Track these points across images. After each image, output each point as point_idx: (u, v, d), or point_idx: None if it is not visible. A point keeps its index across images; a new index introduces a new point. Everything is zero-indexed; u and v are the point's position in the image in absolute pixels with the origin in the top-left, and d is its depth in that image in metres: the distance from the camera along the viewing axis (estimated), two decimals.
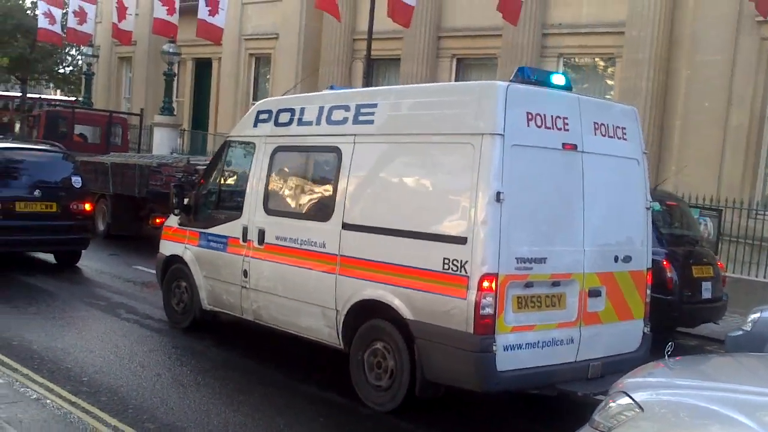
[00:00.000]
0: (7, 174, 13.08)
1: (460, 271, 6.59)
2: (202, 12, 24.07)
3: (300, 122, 8.55)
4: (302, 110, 8.58)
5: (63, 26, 34.59)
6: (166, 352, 9.00)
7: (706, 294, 10.65)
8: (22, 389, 7.22)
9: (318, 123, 8.29)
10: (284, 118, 8.76)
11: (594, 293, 7.25)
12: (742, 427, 4.05)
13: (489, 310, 6.47)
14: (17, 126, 40.51)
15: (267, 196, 8.71)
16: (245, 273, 8.76)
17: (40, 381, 7.54)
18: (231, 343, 9.52)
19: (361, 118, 7.79)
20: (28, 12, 49.15)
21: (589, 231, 7.22)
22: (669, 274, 10.15)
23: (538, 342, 6.85)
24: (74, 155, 14.97)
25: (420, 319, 6.89)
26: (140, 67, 35.54)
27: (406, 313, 6.99)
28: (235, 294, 9.00)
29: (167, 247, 10.19)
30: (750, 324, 8.45)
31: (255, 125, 9.18)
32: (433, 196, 7.07)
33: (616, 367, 7.20)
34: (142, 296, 11.87)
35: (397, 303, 7.05)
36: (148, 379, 7.83)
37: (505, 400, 8.03)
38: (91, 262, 14.37)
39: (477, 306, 6.45)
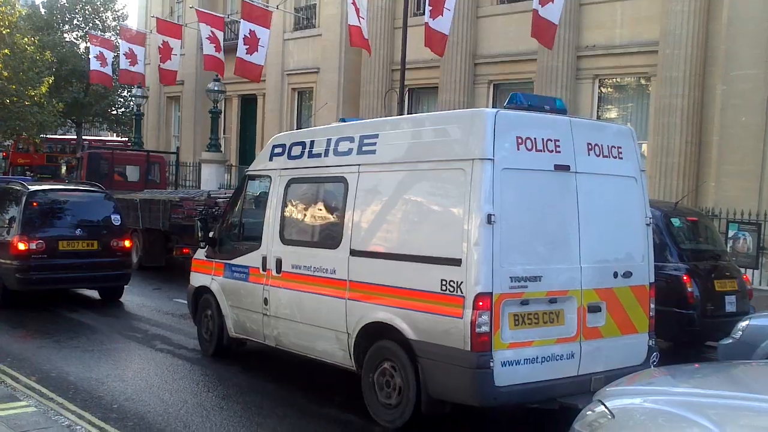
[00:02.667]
0: (51, 214, 13.73)
1: (456, 292, 6.85)
2: (241, 50, 24.66)
3: (310, 155, 8.95)
4: (312, 143, 8.98)
5: (114, 68, 35.69)
6: (194, 380, 9.32)
7: (730, 308, 10.60)
8: (55, 417, 7.60)
9: (326, 155, 8.68)
10: (296, 151, 9.18)
11: (593, 309, 7.44)
12: (701, 428, 4.17)
13: (485, 328, 6.71)
14: (63, 168, 41.69)
15: (282, 226, 9.10)
16: (265, 301, 9.14)
17: (73, 409, 7.93)
18: (257, 369, 9.82)
19: (364, 148, 8.16)
20: (82, 57, 50.75)
21: (585, 248, 7.42)
22: (690, 289, 10.16)
23: (537, 357, 7.04)
24: (113, 194, 15.56)
25: (422, 338, 7.16)
26: (188, 106, 36.43)
27: (409, 333, 7.27)
28: (257, 321, 9.38)
29: (196, 279, 10.64)
30: (739, 332, 8.53)
31: (270, 159, 9.61)
32: (430, 220, 7.38)
33: None
34: (179, 328, 12.23)
35: (400, 324, 7.35)
36: (174, 405, 8.15)
37: (516, 413, 8.14)
38: (134, 297, 14.86)
39: (473, 324, 6.70)
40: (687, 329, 10.25)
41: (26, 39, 42.52)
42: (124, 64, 32.54)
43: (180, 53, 30.73)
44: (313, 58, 30.04)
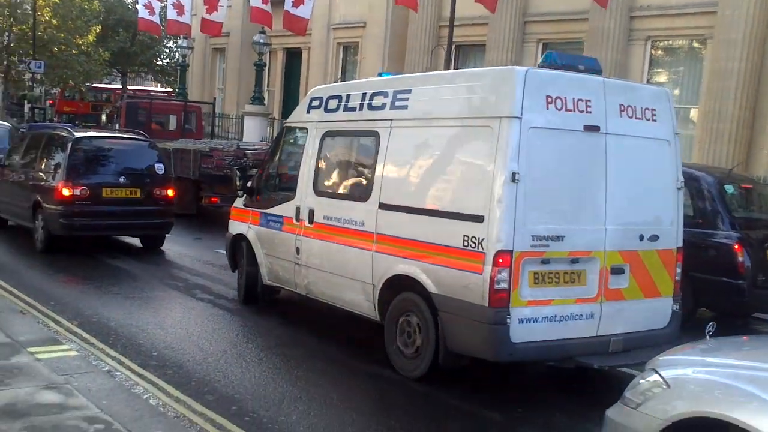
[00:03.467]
0: (96, 161, 13.77)
1: (478, 248, 6.92)
2: (287, 3, 24.45)
3: (346, 108, 9.02)
4: (348, 97, 9.05)
5: (162, 18, 35.66)
6: (234, 330, 9.31)
7: None
8: (96, 362, 7.61)
9: (361, 109, 8.74)
10: (333, 104, 9.24)
11: (617, 270, 7.41)
12: (758, 401, 4.07)
13: (504, 285, 6.78)
14: (103, 116, 42.01)
15: (316, 177, 9.23)
16: (297, 250, 9.32)
17: (113, 355, 7.95)
18: (297, 322, 9.79)
19: (397, 104, 8.18)
20: (129, 7, 50.88)
21: (611, 210, 7.36)
22: (740, 258, 9.83)
23: (556, 316, 7.09)
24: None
25: (443, 293, 7.28)
26: (233, 58, 36.35)
27: (431, 287, 7.38)
28: (289, 270, 9.54)
29: (234, 227, 10.74)
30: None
31: (308, 111, 9.68)
32: (456, 176, 7.46)
33: (642, 342, 7.52)
34: (219, 278, 12.22)
35: (423, 278, 7.46)
36: (214, 355, 8.13)
37: (537, 371, 8.25)
38: (175, 246, 14.90)
39: (492, 281, 6.78)
40: (736, 300, 9.94)
41: None
42: (171, 14, 32.44)
43: (227, 4, 30.55)
44: (360, 12, 29.72)
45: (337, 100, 9.19)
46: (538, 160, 6.91)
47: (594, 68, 7.65)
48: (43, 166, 14.14)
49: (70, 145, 13.44)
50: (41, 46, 39.36)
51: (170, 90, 48.66)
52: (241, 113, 31.01)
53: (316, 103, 9.56)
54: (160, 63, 54.87)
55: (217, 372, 7.56)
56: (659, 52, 20.93)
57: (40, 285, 11.10)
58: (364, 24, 29.52)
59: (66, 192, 13.02)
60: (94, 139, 14.30)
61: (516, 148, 6.77)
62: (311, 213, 9.09)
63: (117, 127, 23.97)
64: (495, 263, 6.76)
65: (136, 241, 14.95)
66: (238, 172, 10.55)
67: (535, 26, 23.33)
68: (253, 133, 27.96)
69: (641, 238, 7.59)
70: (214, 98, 30.57)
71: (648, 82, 20.18)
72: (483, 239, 6.86)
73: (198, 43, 37.31)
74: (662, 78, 20.86)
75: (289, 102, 32.92)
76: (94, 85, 49.76)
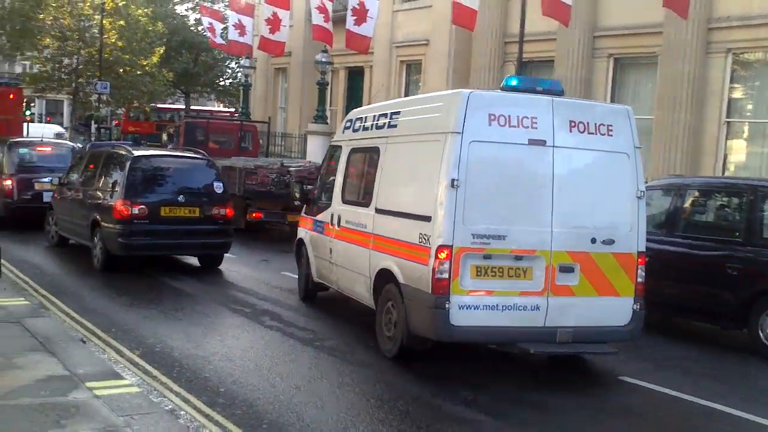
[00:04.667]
0: (155, 179, 13.54)
1: (426, 244, 8.07)
2: (349, 22, 24.12)
3: (363, 128, 10.46)
4: (365, 118, 10.51)
5: (224, 39, 35.75)
6: (306, 363, 8.65)
7: None
8: (158, 399, 7.07)
9: (371, 128, 10.13)
10: (357, 125, 10.70)
11: (565, 269, 8.17)
12: None
13: (444, 275, 7.86)
14: (164, 136, 42.30)
15: (343, 188, 10.65)
16: (330, 251, 10.68)
17: (177, 390, 7.39)
18: (373, 352, 9.13)
19: (391, 123, 9.56)
20: (192, 29, 51.35)
21: (559, 214, 8.14)
22: None
23: (498, 305, 8.00)
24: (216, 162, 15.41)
25: (407, 282, 8.48)
26: (294, 78, 36.17)
27: (400, 278, 8.60)
28: (327, 268, 10.88)
29: (299, 232, 12.15)
30: None
31: (343, 132, 11.23)
32: (417, 183, 8.66)
33: (596, 336, 8.42)
34: (288, 303, 11.68)
35: (396, 270, 8.69)
36: (286, 392, 7.50)
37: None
38: (240, 267, 14.47)
39: (434, 271, 7.90)
40: None
41: (140, 10, 43.25)
42: (233, 34, 32.53)
43: (289, 24, 30.38)
44: (423, 30, 29.23)
45: (360, 122, 10.62)
46: (479, 169, 7.93)
47: (552, 89, 8.50)
48: (101, 185, 13.94)
49: (128, 163, 13.26)
50: (107, 68, 39.80)
51: (233, 110, 48.84)
52: (303, 132, 30.71)
53: (347, 124, 11.05)
54: (222, 83, 55.21)
55: (290, 413, 6.89)
56: (740, 64, 19.91)
57: (103, 308, 10.69)
58: (427, 42, 29.01)
59: (124, 211, 12.85)
60: (152, 158, 14.14)
61: (456, 158, 7.86)
62: (339, 218, 10.43)
63: (176, 145, 24.20)
64: (436, 256, 7.87)
65: (194, 260, 14.60)
66: (297, 185, 12.24)
67: (606, 41, 22.50)
68: (316, 152, 27.50)
69: (593, 241, 8.25)
70: (269, 117, 30.55)
71: (729, 95, 19.31)
72: (429, 236, 8.02)
73: (260, 63, 37.26)
74: (742, 91, 19.89)
75: None
76: (158, 105, 50.25)
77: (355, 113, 11.12)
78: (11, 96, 27.03)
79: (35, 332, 8.61)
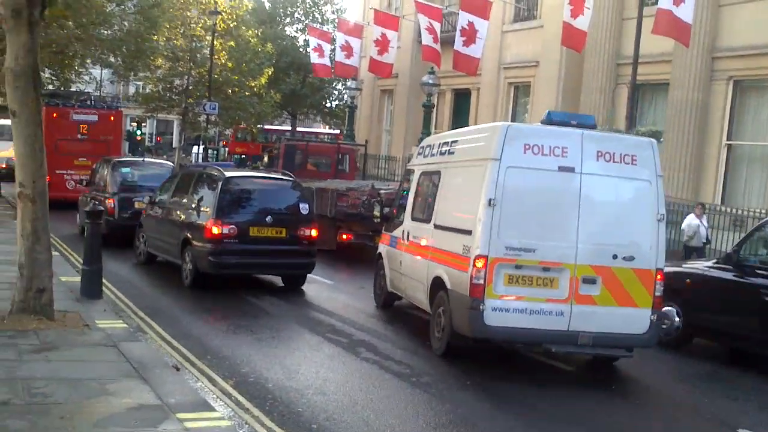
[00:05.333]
0: (244, 200, 13.87)
1: (467, 254, 9.33)
2: (458, 43, 23.81)
3: (431, 154, 11.87)
4: (431, 146, 12.03)
5: (331, 60, 35.99)
6: (403, 400, 8.25)
7: None
8: None
9: (436, 155, 11.57)
10: (427, 151, 12.19)
11: (588, 280, 9.19)
12: None
13: (480, 281, 9.06)
14: (265, 157, 42.87)
15: (413, 207, 12.01)
16: (400, 263, 12.09)
17: (269, 425, 7.12)
18: (477, 390, 8.68)
19: (450, 150, 11.00)
20: (301, 50, 52.00)
21: (583, 232, 9.21)
22: None
23: (526, 309, 9.10)
24: (301, 183, 15.78)
25: (453, 288, 9.74)
26: (400, 99, 36.05)
27: (448, 284, 9.88)
28: (398, 279, 12.24)
29: (379, 248, 13.50)
30: None
31: (416, 157, 12.73)
32: (464, 201, 9.95)
33: (615, 342, 9.35)
34: (384, 334, 11.36)
35: (445, 278, 9.99)
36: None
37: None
38: (339, 294, 14.27)
39: (471, 277, 9.14)
40: None
41: (250, 31, 44.01)
42: (339, 56, 32.66)
43: (396, 45, 30.29)
44: (533, 51, 28.63)
45: (429, 149, 12.08)
46: (514, 190, 9.14)
47: (586, 124, 9.77)
48: (193, 204, 14.24)
49: (220, 184, 13.53)
50: (216, 89, 40.53)
51: (338, 131, 49.15)
52: (407, 155, 30.47)
53: (420, 150, 12.58)
54: (328, 105, 55.69)
55: None
56: None
57: (198, 333, 10.60)
58: (537, 63, 28.40)
59: (215, 230, 13.12)
60: (242, 179, 14.48)
61: (494, 181, 9.11)
62: (408, 234, 11.86)
63: (275, 167, 24.82)
64: (474, 264, 9.11)
65: (277, 280, 14.78)
66: (377, 205, 14.23)
67: (725, 62, 21.44)
68: None
69: (615, 256, 9.23)
70: (366, 141, 30.75)
71: None
72: (470, 247, 9.28)
73: (366, 85, 37.32)
74: None
75: None
76: (265, 126, 51.01)
77: (426, 141, 12.69)
78: (111, 118, 28.42)
79: (130, 357, 8.49)
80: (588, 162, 9.27)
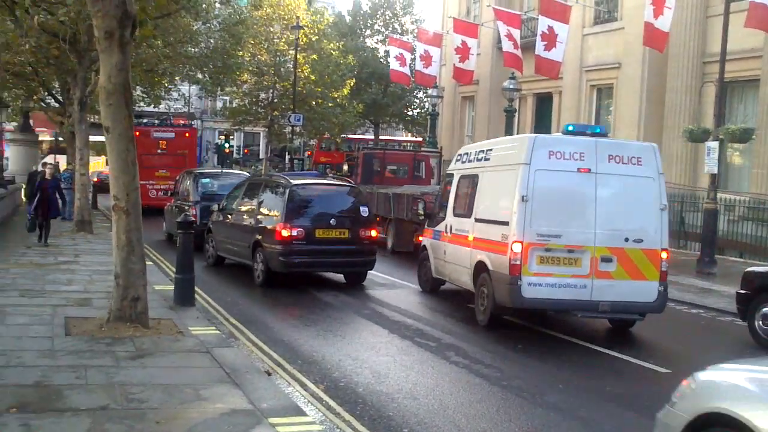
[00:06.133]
0: (310, 205, 15.27)
1: (506, 240, 11.29)
2: (539, 47, 23.68)
3: (468, 161, 13.84)
4: (468, 153, 14.06)
5: (412, 70, 36.10)
6: (494, 404, 8.19)
7: None
8: None
9: (473, 161, 13.56)
10: (463, 158, 14.19)
11: (606, 260, 11.15)
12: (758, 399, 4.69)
13: (517, 262, 11.02)
14: (345, 166, 43.36)
15: (454, 204, 13.92)
16: (444, 252, 14.00)
17: (360, 429, 7.18)
18: (566, 398, 8.54)
19: (486, 157, 12.99)
20: (381, 60, 52.35)
21: (600, 220, 11.17)
22: None
23: (556, 284, 11.06)
24: (360, 188, 18.05)
25: (493, 269, 11.67)
26: (482, 105, 35.96)
27: (490, 266, 11.79)
28: (442, 265, 14.16)
29: (423, 241, 15.34)
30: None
31: (455, 163, 14.64)
32: (500, 198, 12.01)
33: (629, 308, 11.44)
34: (474, 338, 11.34)
35: (487, 261, 11.91)
36: None
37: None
38: (425, 299, 14.30)
39: (510, 259, 11.09)
40: None
41: (332, 44, 44.58)
42: (419, 65, 32.82)
43: (477, 52, 30.24)
44: (614, 52, 28.28)
45: (466, 156, 14.12)
46: (541, 188, 11.12)
47: (599, 133, 11.87)
48: (263, 210, 15.63)
49: (288, 191, 14.90)
50: (300, 101, 41.17)
51: (420, 139, 49.21)
52: None
53: (458, 157, 14.58)
54: (410, 113, 55.84)
55: None
56: None
57: (289, 338, 10.77)
58: (619, 65, 28.03)
59: (285, 233, 14.46)
60: (307, 186, 15.94)
61: (525, 181, 11.12)
62: (450, 227, 13.79)
63: (355, 175, 26.51)
64: (512, 249, 11.07)
65: (339, 277, 16.14)
66: (421, 204, 15.91)
67: None
68: None
69: (626, 239, 11.22)
70: (440, 147, 30.95)
71: None
72: (508, 235, 11.24)
73: (447, 92, 37.33)
74: None
75: None
76: (349, 136, 51.45)
77: (463, 149, 14.83)
78: (186, 135, 32.65)
79: (223, 362, 8.66)
80: (602, 164, 11.27)
